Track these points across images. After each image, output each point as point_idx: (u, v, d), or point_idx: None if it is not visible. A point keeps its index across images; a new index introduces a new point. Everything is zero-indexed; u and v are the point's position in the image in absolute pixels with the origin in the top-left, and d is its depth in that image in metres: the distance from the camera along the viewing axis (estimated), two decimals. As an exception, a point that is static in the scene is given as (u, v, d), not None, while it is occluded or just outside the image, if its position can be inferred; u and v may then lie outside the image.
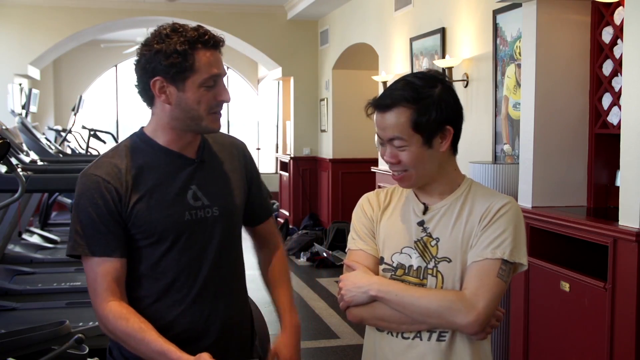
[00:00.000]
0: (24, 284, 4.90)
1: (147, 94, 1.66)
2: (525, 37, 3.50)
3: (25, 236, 6.56)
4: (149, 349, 1.54)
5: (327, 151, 8.72)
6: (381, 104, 1.58)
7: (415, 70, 5.71)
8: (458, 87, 4.95)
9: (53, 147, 6.35)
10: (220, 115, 1.70)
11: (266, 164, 12.49)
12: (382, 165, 6.62)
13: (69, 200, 7.85)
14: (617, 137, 2.96)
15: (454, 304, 1.54)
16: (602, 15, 3.34)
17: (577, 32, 3.40)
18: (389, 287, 1.59)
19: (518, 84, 4.12)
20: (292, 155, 9.21)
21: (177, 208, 1.66)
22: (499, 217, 1.58)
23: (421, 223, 1.64)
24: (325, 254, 7.11)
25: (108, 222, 1.61)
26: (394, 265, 1.64)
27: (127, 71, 12.07)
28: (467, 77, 4.85)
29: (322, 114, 8.94)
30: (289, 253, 7.92)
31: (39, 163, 4.86)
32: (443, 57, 5.08)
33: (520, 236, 1.60)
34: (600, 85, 3.37)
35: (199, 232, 1.69)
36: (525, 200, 3.45)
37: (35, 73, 8.93)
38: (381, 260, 1.66)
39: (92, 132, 7.79)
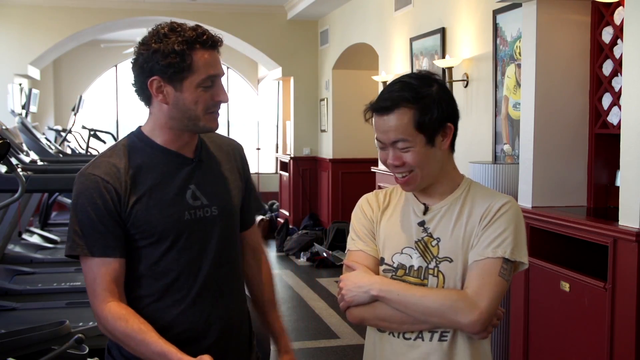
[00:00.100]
0: (24, 284, 4.91)
1: (145, 93, 1.66)
2: (525, 37, 3.50)
3: (25, 236, 6.57)
4: (149, 350, 1.54)
5: (327, 151, 8.73)
6: (381, 107, 1.57)
7: (415, 70, 5.71)
8: (458, 87, 4.95)
9: (53, 147, 6.35)
10: (217, 115, 1.69)
11: (266, 164, 12.48)
12: (382, 165, 6.62)
13: (69, 200, 7.85)
14: (617, 137, 2.96)
15: (456, 303, 1.53)
16: (602, 15, 3.34)
17: (577, 32, 3.40)
18: (390, 286, 1.58)
19: (518, 84, 4.12)
20: (292, 155, 9.21)
21: (177, 208, 1.66)
22: (499, 217, 1.58)
23: (422, 223, 1.64)
24: (325, 254, 7.11)
25: (107, 222, 1.60)
26: (395, 265, 1.64)
27: (127, 71, 12.05)
28: (467, 77, 4.85)
29: (322, 114, 8.94)
30: (289, 253, 7.93)
31: (39, 163, 4.86)
32: (443, 57, 5.08)
33: (520, 235, 1.60)
34: (600, 85, 3.37)
35: (198, 231, 1.68)
36: (525, 200, 3.45)
37: (35, 73, 8.93)
38: (381, 261, 1.66)
39: (92, 132, 7.79)
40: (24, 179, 3.01)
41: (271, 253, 8.21)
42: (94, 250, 1.60)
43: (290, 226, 8.82)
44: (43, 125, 9.84)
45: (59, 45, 8.70)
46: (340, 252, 7.04)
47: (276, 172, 11.40)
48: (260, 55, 9.19)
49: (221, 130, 1.77)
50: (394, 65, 6.31)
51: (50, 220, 8.06)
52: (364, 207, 1.73)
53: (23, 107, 8.09)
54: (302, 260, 7.59)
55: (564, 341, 3.13)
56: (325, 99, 8.73)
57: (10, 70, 8.38)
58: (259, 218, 9.34)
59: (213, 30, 1.68)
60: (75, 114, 8.34)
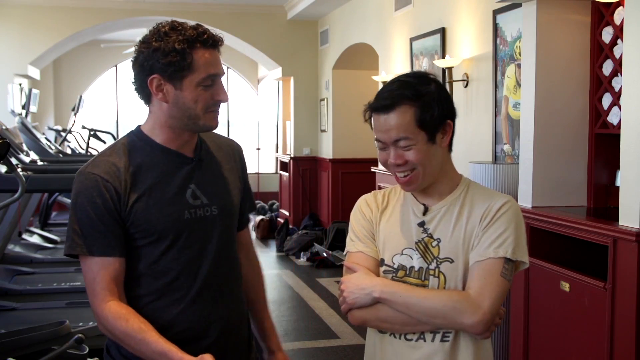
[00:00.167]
0: (24, 284, 4.91)
1: (144, 92, 1.66)
2: (525, 37, 3.50)
3: (25, 236, 6.57)
4: (149, 350, 1.53)
5: (327, 151, 8.73)
6: (382, 106, 1.56)
7: (414, 70, 5.71)
8: (458, 87, 4.95)
9: (53, 147, 6.35)
10: (217, 114, 1.69)
11: (266, 164, 12.48)
12: (382, 166, 6.62)
13: (69, 200, 7.84)
14: (617, 137, 2.96)
15: (459, 304, 1.53)
16: (602, 15, 3.34)
17: (577, 32, 3.40)
18: (392, 288, 1.58)
19: (518, 84, 4.12)
20: (292, 155, 9.21)
21: (177, 207, 1.66)
22: (500, 217, 1.58)
23: (421, 224, 1.64)
24: (325, 254, 7.11)
25: (107, 222, 1.60)
26: (395, 266, 1.63)
27: (127, 71, 12.06)
28: (467, 77, 4.85)
29: (322, 114, 8.94)
30: (289, 253, 7.93)
31: (39, 163, 4.86)
32: (443, 57, 5.08)
33: (521, 234, 1.60)
34: (600, 85, 3.37)
35: (198, 230, 1.68)
36: (525, 200, 3.45)
37: (35, 73, 8.93)
38: (381, 262, 1.66)
39: (92, 132, 7.79)
40: (24, 179, 3.01)
41: (271, 253, 8.21)
42: (94, 249, 1.59)
43: (290, 226, 8.82)
44: (43, 125, 9.84)
45: (59, 45, 8.70)
46: (340, 252, 7.03)
47: (276, 172, 11.40)
48: (260, 55, 9.19)
49: (221, 130, 1.77)
50: (394, 65, 6.31)
51: (50, 220, 8.06)
52: (363, 208, 1.72)
53: (23, 107, 8.09)
54: (302, 260, 7.59)
55: (564, 341, 3.13)
56: (325, 99, 8.73)
57: (10, 70, 8.38)
58: (258, 218, 9.35)
59: (213, 30, 1.68)
60: (75, 114, 8.34)
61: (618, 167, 3.04)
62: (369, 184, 6.49)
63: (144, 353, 1.55)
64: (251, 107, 12.85)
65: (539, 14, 3.36)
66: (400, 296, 1.56)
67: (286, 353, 1.95)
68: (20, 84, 8.30)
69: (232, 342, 1.77)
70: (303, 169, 9.12)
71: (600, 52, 3.36)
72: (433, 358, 1.60)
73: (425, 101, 1.56)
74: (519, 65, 4.10)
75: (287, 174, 9.46)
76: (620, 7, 3.16)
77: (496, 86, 4.46)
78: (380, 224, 1.68)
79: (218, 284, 1.72)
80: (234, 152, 1.86)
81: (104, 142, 7.87)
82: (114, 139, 7.91)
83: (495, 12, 4.39)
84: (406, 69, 5.92)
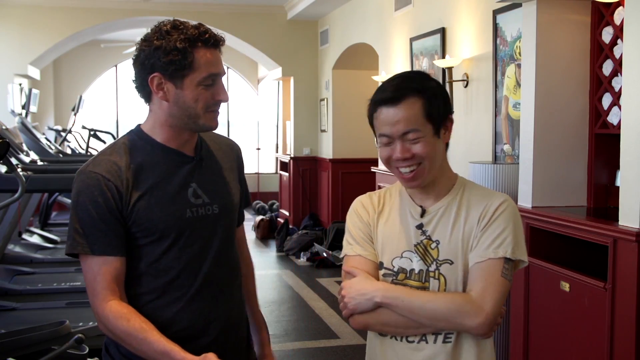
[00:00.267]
0: (24, 284, 4.91)
1: (145, 90, 1.66)
2: (525, 37, 3.50)
3: (25, 236, 6.57)
4: (151, 349, 1.53)
5: (327, 151, 8.73)
6: (390, 98, 1.55)
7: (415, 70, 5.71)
8: (458, 87, 4.95)
9: (53, 147, 6.36)
10: (217, 114, 1.69)
11: (266, 164, 12.49)
12: (382, 165, 6.62)
13: (69, 200, 7.85)
14: (617, 137, 2.96)
15: (462, 306, 1.53)
16: (602, 15, 3.34)
17: (577, 32, 3.40)
18: (394, 292, 1.57)
19: (518, 84, 4.12)
20: (292, 155, 9.21)
21: (179, 206, 1.66)
22: (498, 217, 1.58)
23: (420, 226, 1.63)
24: (325, 254, 7.11)
25: (108, 221, 1.59)
26: (395, 269, 1.62)
27: (127, 71, 12.07)
28: (467, 77, 4.85)
29: (322, 114, 8.94)
30: (289, 253, 7.93)
31: (39, 163, 4.86)
32: (443, 57, 5.08)
33: (519, 233, 1.60)
34: (600, 85, 3.37)
35: (200, 229, 1.69)
36: (525, 200, 3.45)
37: (35, 73, 8.93)
38: (380, 265, 1.64)
39: (92, 132, 7.79)
40: (24, 179, 3.01)
41: (271, 253, 8.21)
42: (95, 248, 1.59)
43: (290, 226, 8.82)
44: (43, 125, 9.85)
45: (59, 45, 8.71)
46: (340, 252, 7.04)
47: (276, 172, 11.40)
48: (260, 55, 9.19)
49: (221, 130, 1.78)
50: (394, 65, 6.31)
51: (50, 220, 8.07)
52: (359, 210, 1.71)
53: (23, 107, 8.10)
54: (302, 260, 7.59)
55: (564, 341, 3.13)
56: (325, 99, 8.73)
57: (10, 70, 8.38)
58: (258, 218, 9.35)
59: (214, 30, 1.68)
60: (75, 114, 8.35)
61: (618, 167, 3.04)
62: (369, 184, 6.50)
63: (145, 353, 1.55)
64: (251, 107, 12.85)
65: (539, 14, 3.36)
66: (402, 300, 1.55)
67: (273, 350, 1.97)
68: (20, 84, 8.30)
69: (231, 341, 1.77)
70: (303, 169, 9.12)
71: (600, 52, 3.36)
72: (435, 359, 1.59)
73: (431, 94, 1.56)
74: (519, 65, 4.10)
75: (287, 174, 9.46)
76: (620, 7, 3.16)
77: (496, 86, 4.46)
78: (378, 226, 1.67)
79: (218, 282, 1.73)
80: (233, 151, 1.87)
81: (104, 142, 7.87)
82: (114, 139, 7.90)
83: (495, 12, 4.39)
84: (406, 69, 5.92)
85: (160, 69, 1.59)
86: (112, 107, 12.26)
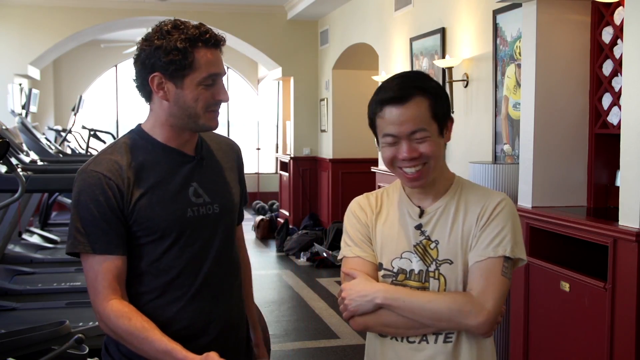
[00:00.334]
0: (24, 284, 4.91)
1: (145, 89, 1.66)
2: (525, 37, 3.50)
3: (25, 236, 6.57)
4: (152, 348, 1.53)
5: (327, 151, 8.73)
6: (398, 97, 1.54)
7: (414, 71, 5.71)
8: (458, 87, 4.95)
9: (53, 147, 6.36)
10: (217, 114, 1.70)
11: (266, 164, 12.49)
12: (382, 165, 6.62)
13: (69, 200, 7.85)
14: (617, 137, 2.96)
15: (464, 306, 1.53)
16: (602, 15, 3.34)
17: (577, 32, 3.40)
18: (395, 293, 1.56)
19: (518, 84, 4.12)
20: (292, 155, 9.21)
21: (180, 205, 1.66)
22: (496, 216, 1.58)
23: (419, 227, 1.62)
24: (325, 254, 7.12)
25: (110, 219, 1.59)
26: (395, 270, 1.62)
27: (127, 71, 12.07)
28: (467, 77, 4.85)
29: (322, 114, 8.94)
30: (289, 253, 7.93)
31: (39, 163, 4.86)
32: (443, 57, 5.08)
33: (517, 232, 1.61)
34: (600, 85, 3.37)
35: (201, 229, 1.69)
36: (525, 200, 3.45)
37: (35, 73, 8.93)
38: (380, 266, 1.64)
39: (92, 132, 7.79)
40: (24, 179, 3.01)
41: (271, 253, 8.21)
42: (96, 247, 1.59)
43: (290, 226, 8.82)
44: (43, 125, 9.85)
45: (59, 45, 8.70)
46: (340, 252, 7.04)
47: (276, 172, 11.40)
48: (260, 55, 9.19)
49: (221, 131, 1.78)
50: (394, 65, 6.31)
51: (50, 220, 8.07)
52: (357, 211, 1.70)
53: (23, 107, 8.10)
54: (302, 260, 7.59)
55: (564, 341, 3.13)
56: (325, 99, 8.73)
57: (10, 70, 8.38)
58: (258, 218, 9.35)
59: (215, 30, 1.69)
60: (75, 114, 8.35)
61: (618, 167, 3.04)
62: (369, 184, 6.50)
63: (147, 352, 1.55)
64: (251, 107, 12.85)
65: (539, 14, 3.36)
66: (403, 301, 1.55)
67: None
68: (20, 84, 8.30)
69: (232, 341, 1.77)
70: (303, 169, 9.12)
71: (600, 52, 3.36)
72: (436, 359, 1.59)
73: (435, 93, 1.57)
74: (519, 65, 4.10)
75: (287, 174, 9.46)
76: (620, 7, 3.16)
77: (496, 86, 4.46)
78: (376, 227, 1.66)
79: (218, 282, 1.73)
80: (233, 151, 1.87)
81: (104, 142, 7.87)
82: (114, 139, 7.92)
83: (495, 12, 4.39)
84: (406, 69, 5.92)
85: (161, 69, 1.60)
86: (112, 107, 12.26)
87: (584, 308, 2.96)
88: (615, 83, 3.25)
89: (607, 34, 3.30)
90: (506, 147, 4.33)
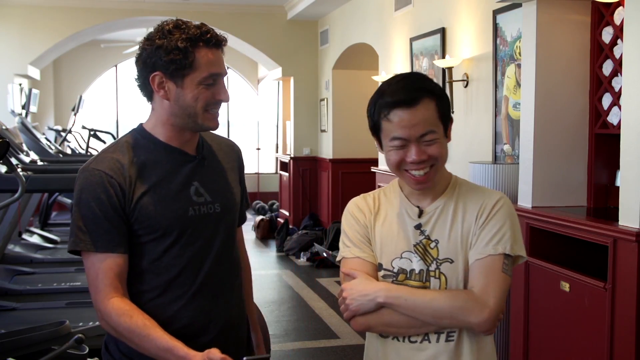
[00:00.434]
0: (24, 284, 4.91)
1: (147, 89, 1.67)
2: (525, 37, 3.50)
3: (25, 236, 6.57)
4: (153, 346, 1.54)
5: (327, 151, 8.73)
6: (409, 99, 1.53)
7: (415, 71, 5.71)
8: (458, 87, 4.95)
9: (53, 147, 6.36)
10: (217, 114, 1.70)
11: (266, 164, 12.48)
12: (382, 165, 6.62)
13: (69, 200, 7.86)
14: (617, 137, 2.96)
15: (466, 303, 1.53)
16: (602, 15, 3.34)
17: (577, 32, 3.40)
18: (397, 292, 1.56)
19: (518, 84, 4.12)
20: (292, 155, 9.21)
21: (181, 204, 1.67)
22: (495, 213, 1.59)
23: (418, 226, 1.63)
24: (325, 254, 7.11)
25: (111, 218, 1.60)
26: (395, 270, 1.62)
27: (127, 71, 12.07)
28: (467, 77, 4.85)
29: (322, 114, 8.94)
30: (289, 253, 7.93)
31: (39, 163, 4.86)
32: (443, 57, 5.08)
33: (517, 229, 1.61)
34: (600, 85, 3.37)
35: (202, 228, 1.69)
36: (525, 200, 3.45)
37: (35, 73, 8.93)
38: (379, 267, 1.64)
39: (92, 132, 7.79)
40: (24, 179, 3.01)
41: (271, 253, 8.21)
42: (98, 245, 1.60)
43: (290, 226, 8.82)
44: (43, 125, 9.85)
45: (59, 45, 8.70)
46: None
47: (276, 172, 11.40)
48: (260, 55, 9.19)
49: (221, 131, 1.79)
50: (394, 65, 6.31)
51: (50, 220, 8.07)
52: (355, 212, 1.70)
53: (23, 107, 8.10)
54: (302, 260, 7.59)
55: (564, 341, 3.13)
56: (325, 99, 8.73)
57: (10, 70, 8.38)
58: (258, 218, 9.35)
59: (216, 30, 1.69)
60: (75, 114, 8.34)
61: (618, 167, 3.04)
62: (369, 184, 6.49)
63: (148, 350, 1.56)
64: (251, 107, 12.85)
65: (539, 14, 3.36)
66: (405, 300, 1.55)
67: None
68: (20, 84, 8.30)
69: (232, 340, 1.77)
70: (303, 169, 9.12)
71: (600, 52, 3.36)
72: (438, 358, 1.59)
73: (439, 94, 1.57)
74: (519, 65, 4.10)
75: (287, 174, 9.46)
76: (620, 7, 3.16)
77: (496, 86, 4.46)
78: (375, 228, 1.66)
79: (219, 281, 1.73)
80: (234, 152, 1.88)
81: (104, 142, 7.87)
82: (114, 139, 7.92)
83: (495, 12, 4.39)
84: (406, 69, 5.92)
85: (162, 68, 1.61)
86: (112, 107, 12.26)
87: (584, 308, 2.96)
88: (615, 83, 3.25)
89: (607, 34, 3.30)
90: (506, 147, 4.33)
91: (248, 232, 9.06)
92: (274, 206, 10.45)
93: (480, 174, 3.74)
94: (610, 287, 2.78)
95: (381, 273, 1.63)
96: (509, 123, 4.29)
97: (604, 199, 3.44)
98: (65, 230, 7.32)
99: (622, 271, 2.73)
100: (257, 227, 9.21)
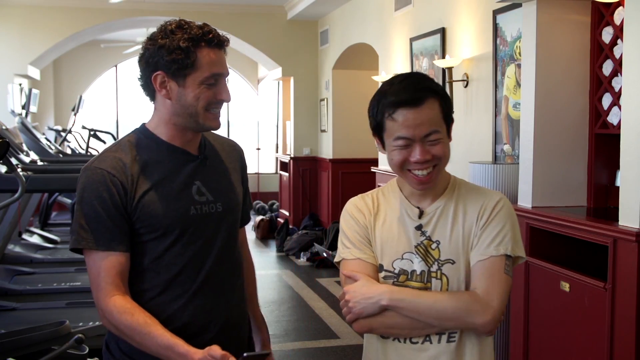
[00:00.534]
0: (24, 284, 4.91)
1: (149, 88, 1.69)
2: (525, 37, 3.50)
3: (25, 236, 6.57)
4: (154, 343, 1.55)
5: (327, 151, 8.73)
6: (414, 99, 1.53)
7: (415, 71, 5.71)
8: (458, 87, 4.95)
9: (53, 147, 6.36)
10: (219, 114, 1.71)
11: (266, 164, 12.48)
12: (382, 165, 6.62)
13: (69, 200, 7.87)
14: (617, 137, 2.96)
15: (470, 305, 1.53)
16: (602, 15, 3.34)
17: (577, 32, 3.40)
18: (400, 294, 1.56)
19: (518, 84, 4.12)
20: (292, 155, 9.21)
21: (183, 203, 1.68)
22: (496, 215, 1.59)
23: (419, 227, 1.62)
24: (325, 254, 7.11)
25: (113, 216, 1.61)
26: (396, 271, 1.62)
27: (127, 71, 12.07)
28: (467, 77, 4.85)
29: (322, 114, 8.94)
30: (289, 253, 7.93)
31: (39, 163, 4.86)
32: (443, 57, 5.08)
33: (517, 230, 1.62)
34: (600, 85, 3.37)
35: (203, 227, 1.70)
36: (525, 200, 3.45)
37: (35, 73, 8.93)
38: (380, 268, 1.64)
39: (92, 132, 7.80)
40: (24, 179, 3.01)
41: (271, 253, 8.21)
42: (100, 243, 1.61)
43: (290, 226, 8.82)
44: (43, 125, 9.85)
45: (59, 45, 8.70)
46: (340, 252, 7.02)
47: (276, 172, 11.40)
48: (260, 55, 9.19)
49: (221, 131, 1.80)
50: (394, 65, 6.31)
51: (50, 220, 8.07)
52: (355, 213, 1.69)
53: (23, 107, 8.09)
54: (302, 260, 7.59)
55: (564, 341, 3.13)
56: (325, 99, 8.73)
57: (10, 70, 8.38)
58: (258, 218, 9.35)
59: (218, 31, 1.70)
60: (75, 114, 8.34)
61: (618, 167, 3.04)
62: (369, 184, 6.49)
63: (149, 347, 1.56)
64: (251, 107, 12.85)
65: (539, 14, 3.36)
66: (409, 302, 1.55)
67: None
68: (20, 84, 8.30)
69: (233, 338, 1.77)
70: (303, 169, 9.12)
71: (600, 52, 3.36)
72: (440, 359, 1.59)
73: (443, 95, 1.58)
74: (519, 65, 4.10)
75: (287, 174, 9.46)
76: (620, 7, 3.16)
77: (496, 86, 4.46)
78: (375, 229, 1.66)
79: (220, 280, 1.74)
80: (236, 152, 1.89)
81: (104, 142, 7.87)
82: (114, 139, 7.93)
83: (495, 12, 4.39)
84: (406, 69, 5.92)
85: (164, 68, 1.62)
86: (112, 107, 12.26)
87: (584, 308, 2.96)
88: (615, 83, 3.25)
89: (607, 34, 3.30)
90: (506, 147, 4.33)
91: (248, 232, 9.04)
92: (274, 206, 10.45)
93: (480, 174, 3.74)
94: (610, 287, 2.78)
95: (382, 274, 1.63)
96: (509, 123, 4.29)
97: (604, 199, 3.44)
98: (65, 231, 7.33)
99: (622, 271, 2.73)
100: (257, 227, 9.21)
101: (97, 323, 3.86)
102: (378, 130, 1.60)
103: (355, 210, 1.69)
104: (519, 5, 3.70)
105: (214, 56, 1.64)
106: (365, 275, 1.61)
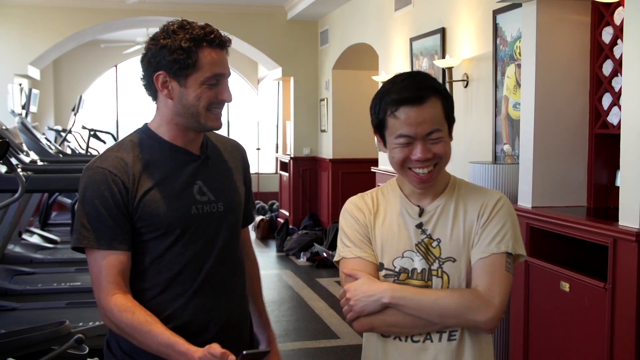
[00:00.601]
0: (24, 284, 4.91)
1: (152, 88, 1.69)
2: (525, 37, 3.50)
3: (25, 236, 6.57)
4: (155, 342, 1.55)
5: (327, 151, 8.73)
6: (417, 97, 1.53)
7: (414, 71, 5.71)
8: (458, 87, 4.95)
9: (53, 147, 6.35)
10: (220, 114, 1.71)
11: (266, 164, 12.48)
12: (382, 165, 6.62)
13: (69, 200, 7.86)
14: (617, 137, 2.96)
15: (472, 302, 1.54)
16: (602, 15, 3.34)
17: (577, 32, 3.41)
18: (402, 292, 1.56)
19: (518, 84, 4.13)
20: (292, 155, 9.21)
21: (184, 202, 1.68)
22: (496, 213, 1.60)
23: (419, 225, 1.63)
24: (325, 254, 7.11)
25: (115, 215, 1.62)
26: (397, 270, 1.62)
27: (127, 71, 12.07)
28: (467, 77, 4.85)
29: (322, 114, 8.94)
30: (289, 253, 7.93)
31: (39, 163, 4.86)
32: (443, 57, 5.08)
33: (517, 228, 1.63)
34: (600, 85, 3.37)
35: (205, 226, 1.70)
36: (525, 200, 3.45)
37: (35, 73, 8.93)
38: (380, 267, 1.64)
39: (92, 132, 7.80)
40: (24, 179, 3.01)
41: (271, 253, 8.21)
42: (101, 242, 1.61)
43: (290, 226, 8.82)
44: (43, 125, 9.84)
45: (59, 45, 8.70)
46: (340, 252, 7.02)
47: (276, 172, 11.40)
48: (260, 55, 9.19)
49: (221, 131, 1.80)
50: (394, 65, 6.31)
51: (50, 220, 8.06)
52: (354, 212, 1.69)
53: (23, 107, 8.09)
54: (302, 260, 7.59)
55: (564, 341, 3.13)
56: (325, 99, 8.73)
57: (10, 70, 8.37)
58: (258, 218, 9.35)
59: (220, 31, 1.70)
60: (75, 114, 8.34)
61: (618, 167, 3.04)
62: (369, 184, 6.49)
63: (149, 346, 1.57)
64: (251, 107, 12.85)
65: (539, 14, 3.36)
66: (411, 300, 1.55)
67: (276, 347, 2.00)
68: (20, 84, 8.30)
69: (234, 337, 1.77)
70: (303, 169, 9.12)
71: (600, 52, 3.36)
72: (440, 357, 1.59)
73: (445, 94, 1.58)
74: (519, 65, 4.10)
75: (287, 174, 9.46)
76: (620, 7, 3.16)
77: (496, 86, 4.46)
78: (375, 228, 1.66)
79: (221, 280, 1.74)
80: (239, 152, 1.89)
81: (104, 142, 7.87)
82: (114, 139, 7.94)
83: (495, 12, 4.39)
84: (406, 69, 5.92)
85: (165, 67, 1.63)
86: (112, 107, 12.25)
87: (584, 308, 2.96)
88: (615, 83, 3.25)
89: (607, 34, 3.30)
90: (506, 147, 4.33)
91: (248, 232, 9.05)
92: (274, 206, 10.45)
93: (480, 174, 3.74)
94: (610, 287, 2.79)
95: (382, 273, 1.63)
96: (509, 123, 4.29)
97: (604, 199, 3.44)
98: (65, 231, 7.33)
99: (622, 271, 2.73)
100: (257, 227, 9.21)
101: (97, 323, 3.86)
102: (379, 128, 1.60)
103: (355, 209, 1.69)
104: (519, 5, 3.70)
105: (215, 56, 1.65)
106: (366, 274, 1.61)
